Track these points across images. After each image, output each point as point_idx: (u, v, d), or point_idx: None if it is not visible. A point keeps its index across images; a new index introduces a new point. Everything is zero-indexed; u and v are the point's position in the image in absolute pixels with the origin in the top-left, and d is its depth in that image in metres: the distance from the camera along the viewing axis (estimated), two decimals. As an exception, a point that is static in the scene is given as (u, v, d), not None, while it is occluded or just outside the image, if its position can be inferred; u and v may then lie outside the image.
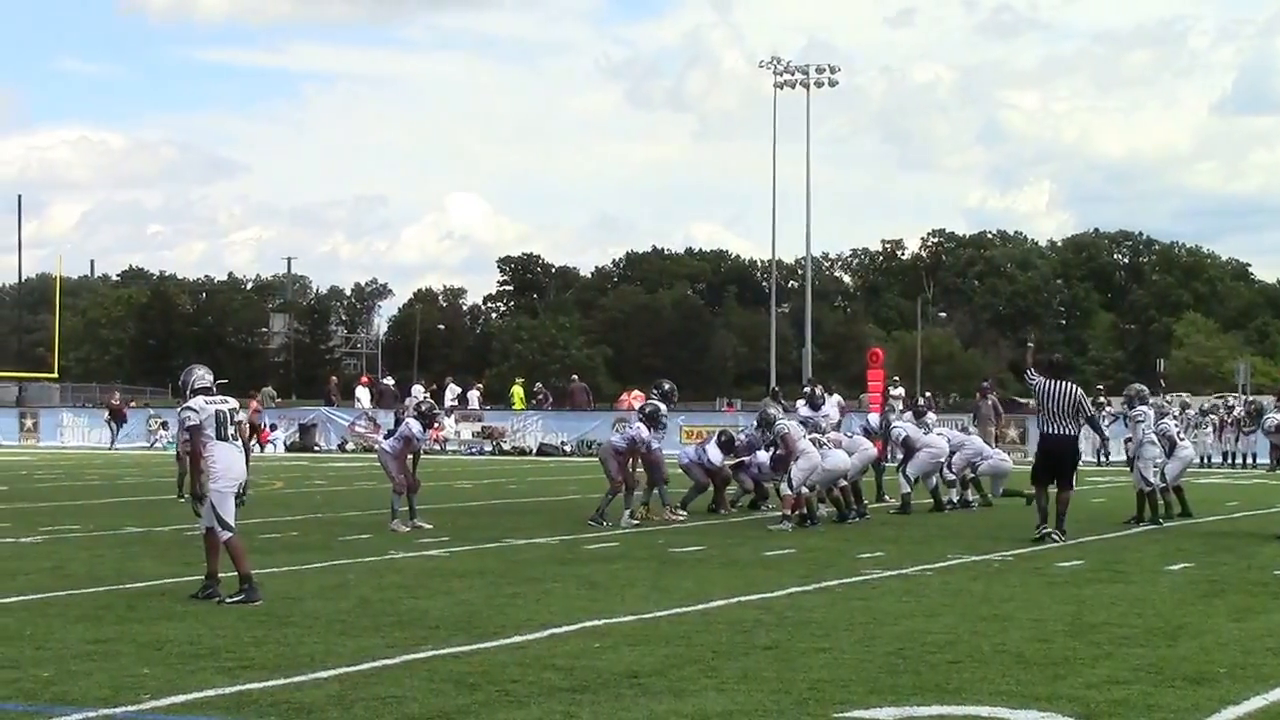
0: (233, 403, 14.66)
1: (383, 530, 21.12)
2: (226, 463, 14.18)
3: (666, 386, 24.64)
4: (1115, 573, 16.52)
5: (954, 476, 25.88)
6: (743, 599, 14.22)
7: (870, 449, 24.68)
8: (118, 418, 57.56)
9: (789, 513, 21.73)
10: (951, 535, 20.86)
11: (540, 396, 58.83)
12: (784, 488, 22.08)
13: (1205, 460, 43.83)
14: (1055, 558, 17.97)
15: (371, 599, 14.14)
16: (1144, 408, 23.51)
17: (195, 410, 14.16)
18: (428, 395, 55.22)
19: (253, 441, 51.81)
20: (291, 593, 14.54)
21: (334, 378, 65.73)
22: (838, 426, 27.07)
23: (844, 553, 18.40)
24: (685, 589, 14.97)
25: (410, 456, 22.09)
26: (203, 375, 14.53)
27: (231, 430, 14.28)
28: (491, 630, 12.30)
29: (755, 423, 23.88)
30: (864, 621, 12.81)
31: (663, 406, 23.66)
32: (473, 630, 12.31)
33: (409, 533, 21.04)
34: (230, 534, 14.11)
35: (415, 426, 22.19)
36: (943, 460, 25.43)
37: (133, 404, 74.78)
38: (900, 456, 25.70)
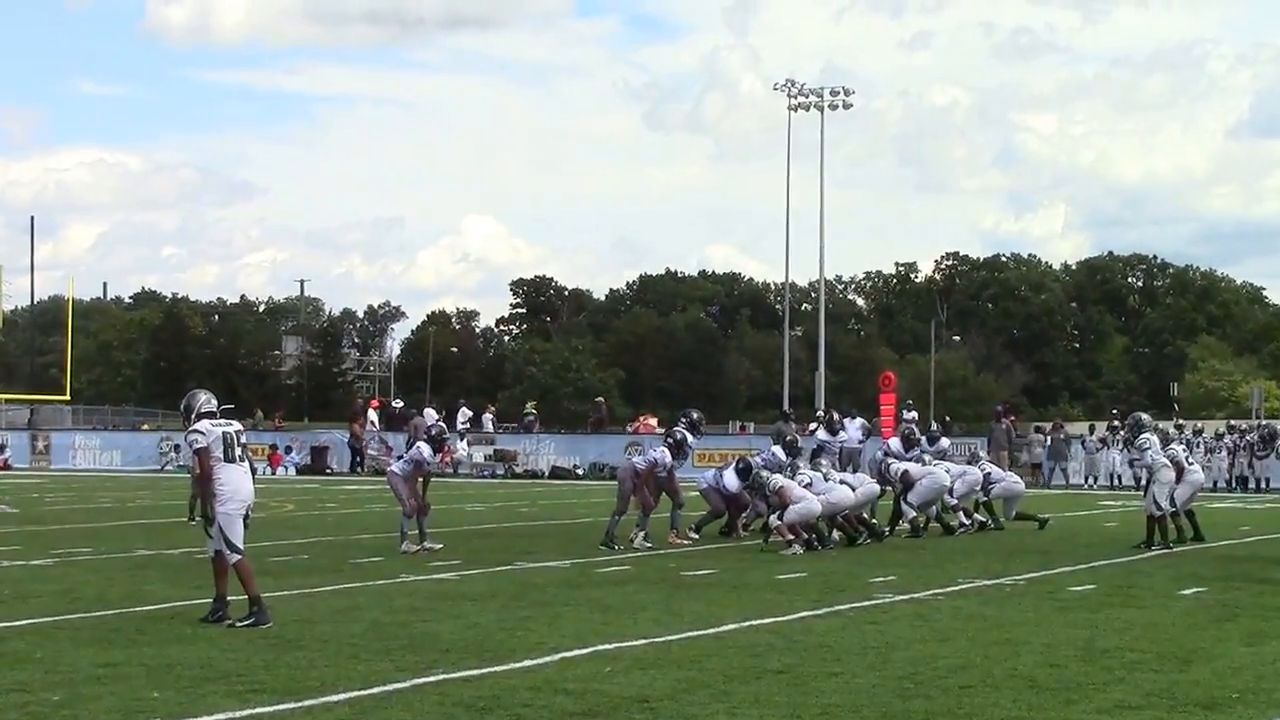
0: (238, 425, 14.65)
1: (394, 553, 21.08)
2: (234, 485, 14.17)
3: (695, 416, 24.43)
4: (1127, 597, 16.48)
5: (955, 502, 25.75)
6: (755, 623, 14.19)
7: (874, 486, 24.54)
8: None
9: (792, 538, 21.70)
10: (963, 559, 20.81)
11: (530, 419, 58.85)
12: (773, 519, 22.06)
13: (1218, 485, 43.75)
14: (1067, 582, 17.94)
15: (382, 622, 14.11)
16: (1148, 435, 23.47)
17: (202, 433, 14.17)
18: (440, 419, 55.37)
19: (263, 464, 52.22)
20: (302, 616, 14.52)
21: (375, 402, 64.84)
22: (861, 452, 26.98)
23: (856, 576, 18.35)
24: (697, 613, 14.95)
25: (421, 480, 22.07)
26: (207, 400, 14.59)
27: (239, 452, 14.26)
28: (503, 654, 12.28)
29: (772, 440, 23.79)
30: (876, 646, 12.79)
31: (690, 436, 23.63)
32: (484, 654, 12.28)
33: (418, 553, 21.02)
34: (239, 556, 14.09)
35: (426, 450, 22.16)
36: (944, 487, 25.28)
37: (145, 427, 74.89)
38: (900, 488, 25.50)
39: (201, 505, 14.56)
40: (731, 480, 24.38)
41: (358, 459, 52.77)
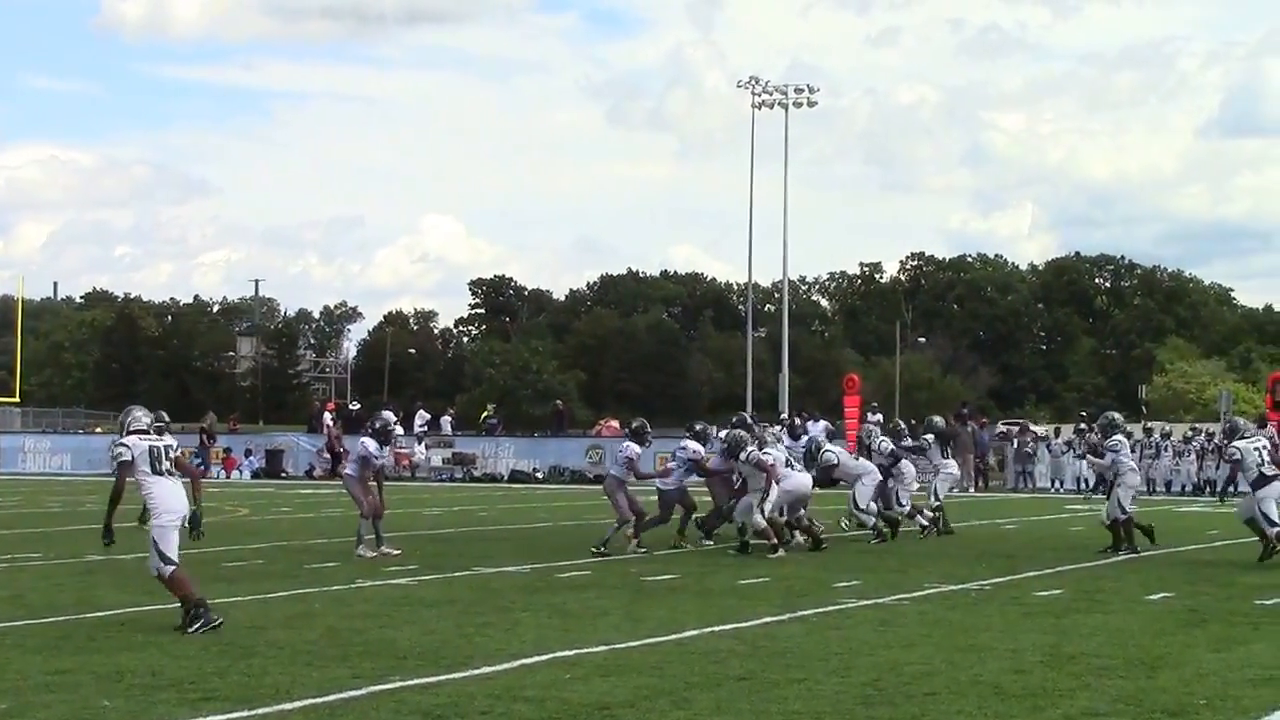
0: (169, 439, 14.51)
1: (350, 558, 20.90)
2: (165, 498, 14.02)
3: (634, 425, 24.30)
4: (1094, 602, 16.38)
5: (907, 506, 25.58)
6: (716, 629, 14.06)
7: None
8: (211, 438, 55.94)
9: (773, 541, 21.56)
10: (928, 564, 20.70)
11: (492, 422, 58.69)
12: (758, 518, 21.83)
13: (1185, 488, 43.84)
14: (1033, 587, 17.84)
15: (338, 628, 13.95)
16: (1119, 437, 23.38)
17: (127, 446, 14.03)
18: (397, 422, 55.07)
19: (210, 468, 51.74)
20: (256, 622, 14.33)
21: (331, 405, 64.34)
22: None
23: (819, 581, 18.22)
24: (658, 618, 14.81)
25: (375, 481, 21.85)
26: (139, 417, 14.47)
27: (167, 465, 14.12)
28: (460, 661, 12.14)
29: (723, 448, 23.35)
30: (839, 652, 12.66)
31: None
32: (441, 661, 12.14)
33: (375, 559, 20.81)
34: (172, 568, 13.90)
35: (370, 445, 21.99)
36: (806, 494, 24.70)
37: (96, 430, 74.19)
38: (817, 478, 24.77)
39: (106, 518, 14.38)
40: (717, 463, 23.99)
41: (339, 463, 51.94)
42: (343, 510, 25.10)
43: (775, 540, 21.67)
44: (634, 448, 23.04)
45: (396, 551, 21.32)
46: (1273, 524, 21.07)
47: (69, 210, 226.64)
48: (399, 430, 53.84)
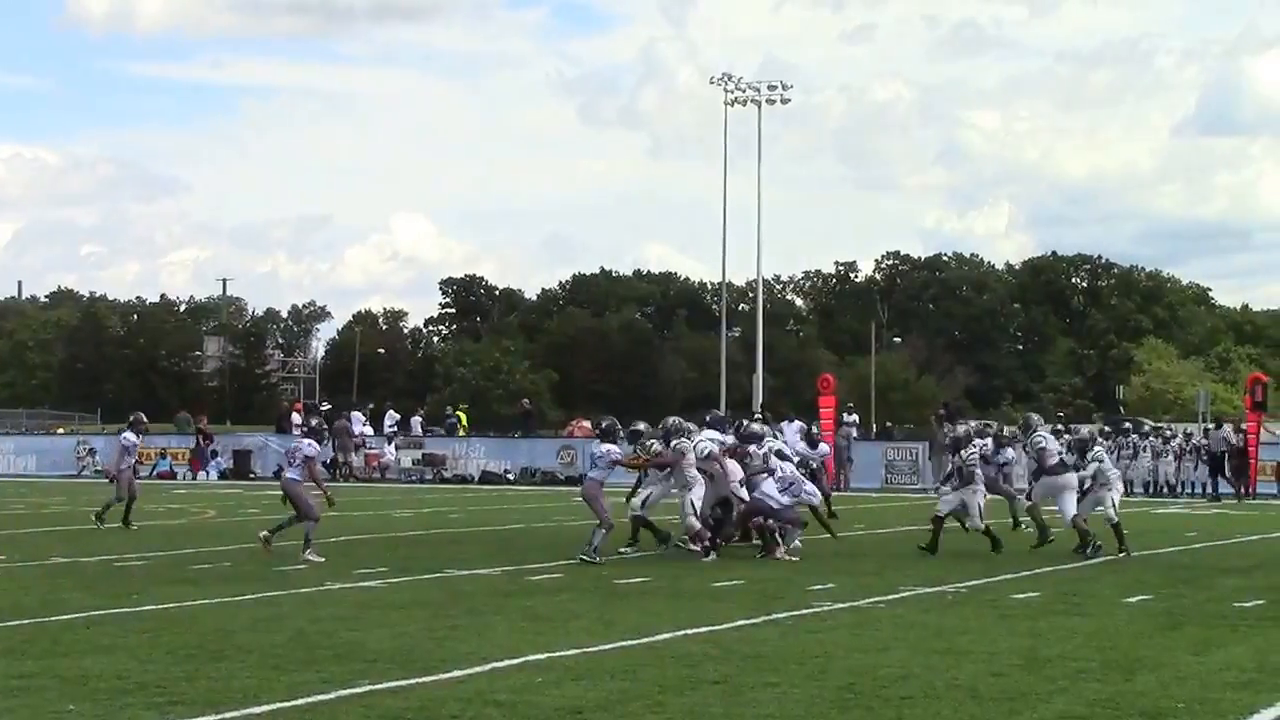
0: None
1: (321, 561, 20.68)
2: None
3: (605, 424, 23.88)
4: (1071, 605, 16.34)
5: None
6: (690, 632, 13.97)
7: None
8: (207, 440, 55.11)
9: (697, 546, 21.24)
10: (904, 566, 20.62)
11: (451, 421, 58.50)
12: (691, 520, 21.45)
13: (1161, 489, 43.91)
14: (1010, 589, 17.79)
15: (307, 632, 13.82)
16: (1098, 449, 23.37)
17: None
18: (366, 422, 54.77)
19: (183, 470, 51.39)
20: (224, 625, 14.21)
21: (299, 405, 63.76)
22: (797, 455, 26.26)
23: (794, 584, 18.13)
24: (631, 622, 14.71)
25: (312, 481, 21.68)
26: None
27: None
28: (431, 664, 12.04)
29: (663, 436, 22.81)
30: (814, 655, 12.59)
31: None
32: (411, 664, 12.04)
33: (322, 562, 20.41)
34: None
35: (307, 446, 21.85)
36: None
37: (60, 430, 73.71)
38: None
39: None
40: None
41: (345, 468, 51.45)
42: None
43: (706, 543, 21.36)
44: (614, 449, 22.29)
45: (320, 560, 20.85)
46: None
47: (33, 209, 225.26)
48: (369, 430, 53.82)
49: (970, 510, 22.54)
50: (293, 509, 21.57)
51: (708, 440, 22.32)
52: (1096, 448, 23.37)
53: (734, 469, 22.18)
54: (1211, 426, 47.04)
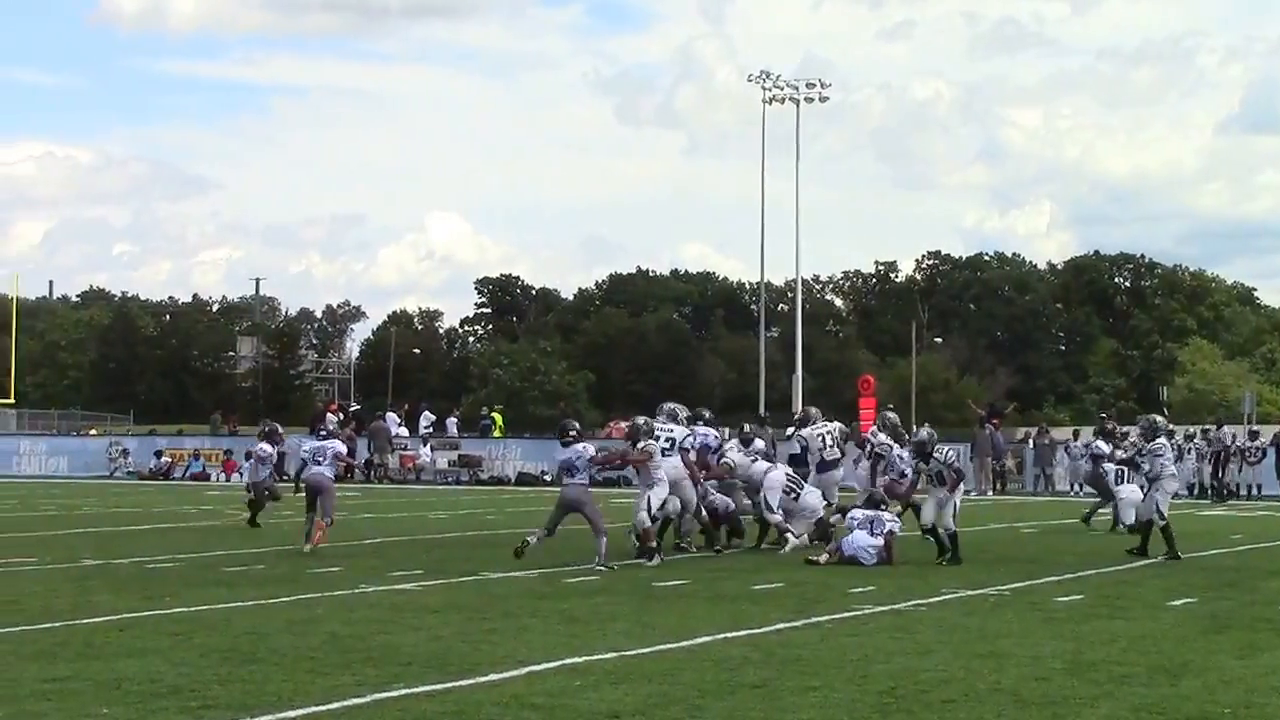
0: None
1: (353, 563, 20.64)
2: None
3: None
4: (1115, 608, 16.18)
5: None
6: (729, 635, 13.85)
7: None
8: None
9: (647, 545, 20.87)
10: (945, 569, 20.43)
11: (486, 423, 58.40)
12: (642, 516, 21.01)
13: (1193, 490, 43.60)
14: (1053, 592, 17.63)
15: (341, 634, 13.73)
16: (1162, 439, 23.05)
17: None
18: (401, 423, 54.72)
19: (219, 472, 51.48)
20: (257, 628, 14.13)
21: (333, 406, 63.49)
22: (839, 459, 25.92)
23: (834, 587, 17.99)
24: (669, 625, 14.61)
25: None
26: None
27: None
28: (466, 668, 11.96)
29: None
30: (855, 659, 12.48)
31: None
32: (447, 668, 11.95)
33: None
34: None
35: (262, 448, 22.11)
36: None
37: (92, 431, 73.74)
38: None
39: None
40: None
41: (381, 469, 51.45)
42: (345, 514, 24.81)
43: (652, 544, 21.00)
44: (589, 448, 21.98)
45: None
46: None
47: (65, 208, 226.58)
48: (404, 431, 53.74)
49: (945, 514, 21.53)
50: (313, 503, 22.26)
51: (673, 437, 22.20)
52: (1160, 442, 23.03)
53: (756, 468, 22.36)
54: (1212, 428, 46.64)
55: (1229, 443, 43.22)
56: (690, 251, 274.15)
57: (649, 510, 21.00)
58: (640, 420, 22.06)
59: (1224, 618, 15.45)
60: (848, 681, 11.42)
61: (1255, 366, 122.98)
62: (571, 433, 21.37)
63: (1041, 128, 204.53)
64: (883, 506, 21.55)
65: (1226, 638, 14.04)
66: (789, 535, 22.90)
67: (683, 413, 22.97)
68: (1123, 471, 26.68)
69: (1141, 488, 24.04)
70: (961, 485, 21.92)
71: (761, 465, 23.87)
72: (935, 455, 21.90)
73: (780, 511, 23.18)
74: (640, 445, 21.44)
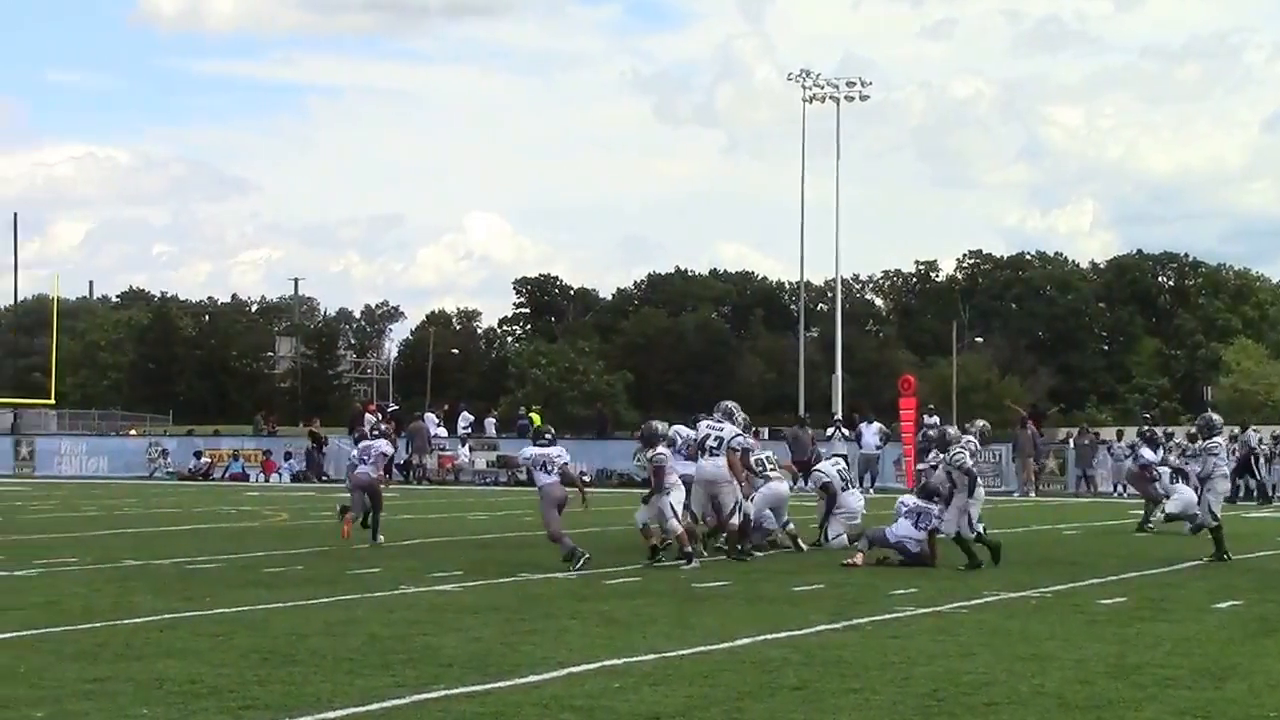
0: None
1: (393, 564, 20.62)
2: None
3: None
4: (1160, 611, 16.05)
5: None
6: (769, 637, 13.78)
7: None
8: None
9: (684, 549, 20.63)
10: (987, 571, 20.25)
11: (524, 424, 58.19)
12: (674, 524, 20.76)
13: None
14: (1096, 595, 17.50)
15: (381, 636, 13.71)
16: (1218, 439, 22.83)
17: None
18: (440, 423, 54.66)
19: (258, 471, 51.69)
20: (297, 629, 14.12)
21: (371, 406, 63.32)
22: (879, 458, 25.83)
23: (875, 588, 17.92)
24: (709, 626, 14.55)
25: None
26: None
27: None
28: (506, 669, 11.93)
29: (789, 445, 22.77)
30: (896, 661, 12.41)
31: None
32: (487, 669, 11.92)
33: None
34: None
35: (383, 444, 23.57)
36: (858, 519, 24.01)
37: (132, 432, 73.99)
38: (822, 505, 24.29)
39: None
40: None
41: (420, 470, 51.50)
42: (385, 515, 24.82)
43: (689, 549, 20.69)
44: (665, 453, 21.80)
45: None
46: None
47: (105, 208, 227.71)
48: (443, 432, 53.76)
49: (963, 520, 21.00)
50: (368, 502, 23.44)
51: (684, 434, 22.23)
52: (1216, 440, 22.80)
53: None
54: (1239, 430, 46.28)
55: (1254, 445, 42.94)
56: (729, 251, 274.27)
57: (675, 516, 20.73)
58: (657, 424, 21.94)
59: (1272, 620, 15.33)
60: (889, 684, 11.35)
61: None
62: (548, 435, 21.88)
63: (1084, 126, 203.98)
64: (934, 499, 21.26)
65: (1273, 640, 13.94)
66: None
67: (740, 414, 22.30)
68: (1175, 475, 26.54)
69: (1195, 489, 23.86)
70: (979, 489, 21.43)
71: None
72: (954, 450, 21.28)
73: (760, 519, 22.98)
74: (652, 454, 21.24)
